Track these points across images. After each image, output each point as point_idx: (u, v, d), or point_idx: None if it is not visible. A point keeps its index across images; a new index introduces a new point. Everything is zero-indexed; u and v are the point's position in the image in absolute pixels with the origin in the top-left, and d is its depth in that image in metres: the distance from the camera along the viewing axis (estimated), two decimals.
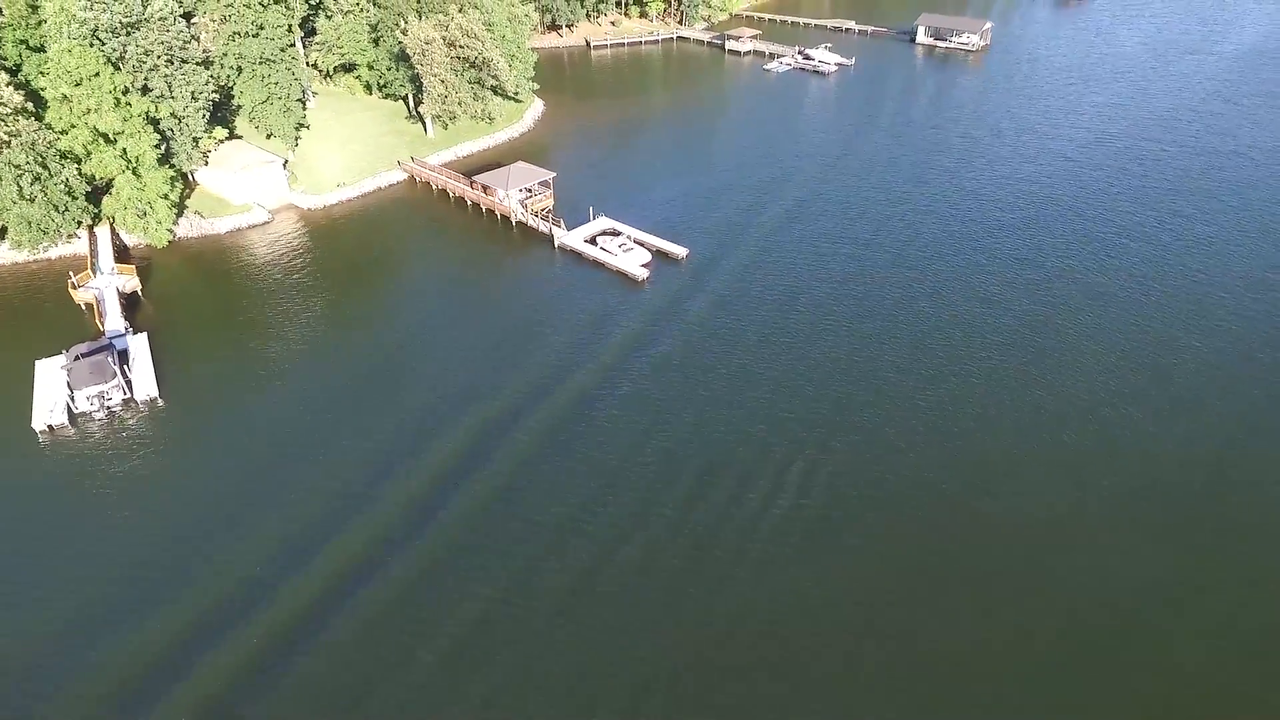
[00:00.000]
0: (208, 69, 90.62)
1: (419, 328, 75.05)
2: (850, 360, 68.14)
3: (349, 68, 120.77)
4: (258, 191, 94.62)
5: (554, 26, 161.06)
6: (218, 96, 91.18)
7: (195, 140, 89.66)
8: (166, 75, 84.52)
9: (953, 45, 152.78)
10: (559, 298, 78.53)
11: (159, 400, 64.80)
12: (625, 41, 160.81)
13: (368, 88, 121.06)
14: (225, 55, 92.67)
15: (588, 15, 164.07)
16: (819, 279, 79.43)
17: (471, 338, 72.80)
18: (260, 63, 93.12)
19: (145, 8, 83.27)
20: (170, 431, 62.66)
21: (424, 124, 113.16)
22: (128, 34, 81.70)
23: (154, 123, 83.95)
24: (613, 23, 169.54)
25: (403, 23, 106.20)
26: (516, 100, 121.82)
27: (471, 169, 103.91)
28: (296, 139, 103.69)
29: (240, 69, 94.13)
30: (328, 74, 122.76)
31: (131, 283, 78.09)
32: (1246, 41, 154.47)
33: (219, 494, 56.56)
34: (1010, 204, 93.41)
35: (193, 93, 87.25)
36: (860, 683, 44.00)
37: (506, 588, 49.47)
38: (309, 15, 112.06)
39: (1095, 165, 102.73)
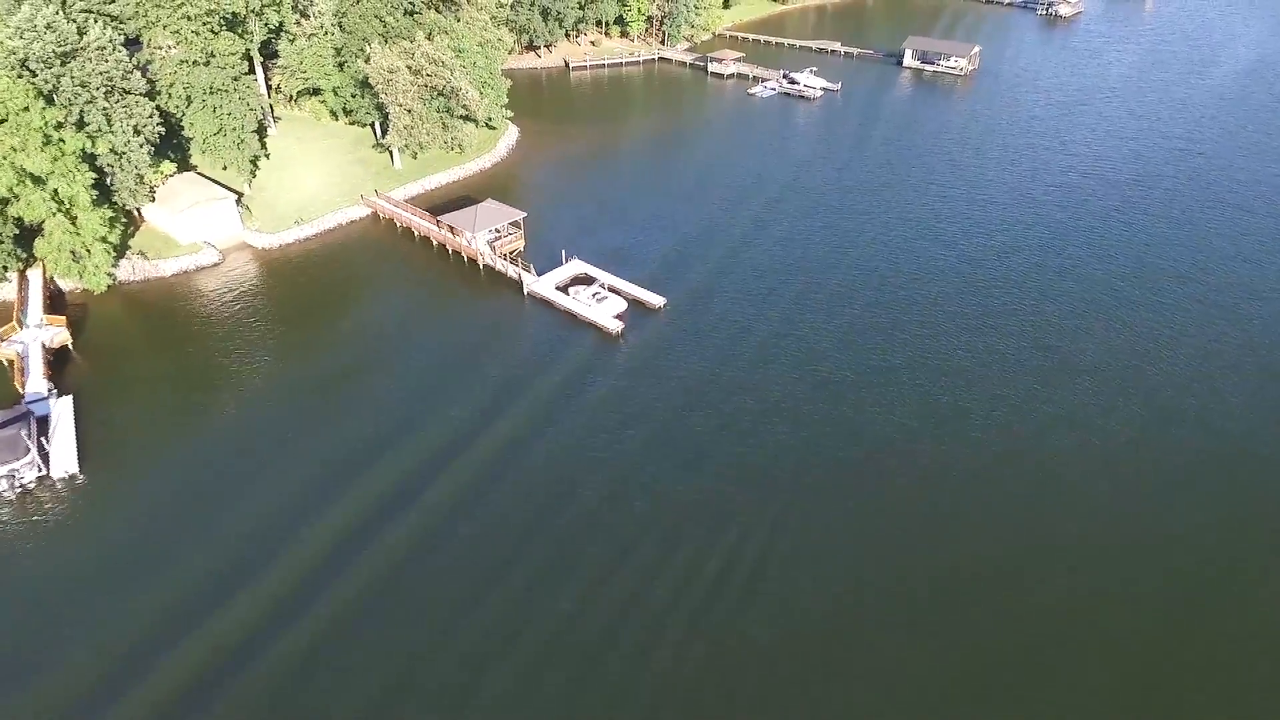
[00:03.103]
0: (153, 100, 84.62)
1: (374, 387, 69.11)
2: (841, 419, 63.13)
3: (314, 91, 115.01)
4: (208, 230, 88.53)
5: (531, 47, 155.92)
6: (164, 129, 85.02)
7: (140, 176, 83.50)
8: (105, 108, 78.43)
9: (940, 69, 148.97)
10: (525, 353, 72.87)
11: (79, 477, 58.54)
12: (605, 62, 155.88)
13: (333, 113, 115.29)
14: (173, 85, 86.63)
15: (567, 35, 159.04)
16: (807, 328, 74.36)
17: (429, 397, 67.04)
18: (210, 93, 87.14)
19: (81, 36, 77.25)
20: (88, 514, 56.34)
21: (391, 153, 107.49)
22: (62, 64, 75.61)
23: (91, 159, 77.82)
24: (593, 42, 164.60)
25: (367, 48, 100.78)
26: (490, 127, 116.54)
27: (439, 203, 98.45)
28: (253, 172, 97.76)
29: (190, 99, 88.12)
30: (292, 98, 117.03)
31: (60, 335, 71.79)
32: (1238, 65, 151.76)
33: (135, 586, 50.49)
34: (1003, 241, 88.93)
35: (135, 126, 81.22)
36: None
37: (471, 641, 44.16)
38: (270, 38, 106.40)
39: (1089, 195, 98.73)
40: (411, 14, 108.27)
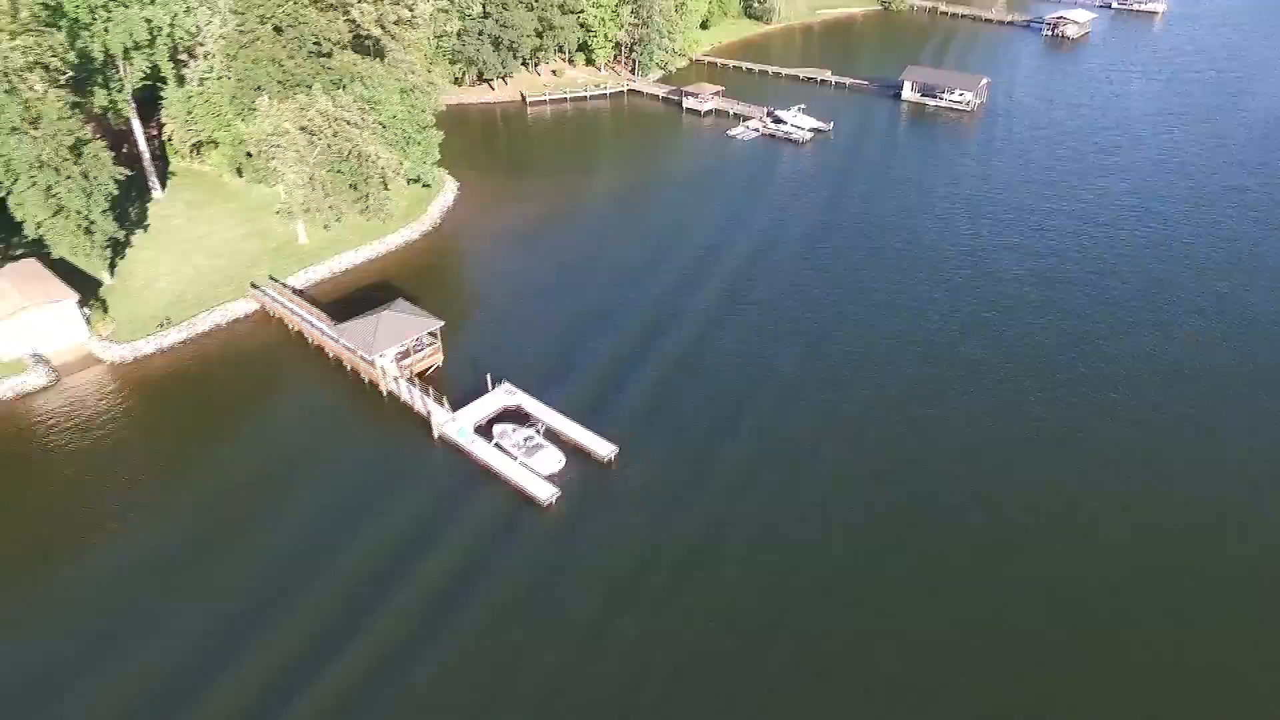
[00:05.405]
0: None
1: (205, 570, 50.44)
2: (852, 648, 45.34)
3: (217, 142, 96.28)
4: (39, 340, 69.50)
5: (483, 78, 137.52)
6: None
7: None
8: None
9: (944, 104, 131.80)
10: (415, 535, 53.04)
11: None
12: (568, 96, 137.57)
13: (238, 170, 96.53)
14: None
15: (524, 63, 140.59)
16: (809, 481, 56.43)
17: (275, 590, 48.82)
18: (39, 168, 68.19)
19: None
20: None
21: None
22: None
23: None
24: (554, 72, 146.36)
25: (263, 99, 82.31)
26: (425, 185, 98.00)
27: (351, 290, 79.93)
28: (115, 256, 79.04)
29: (17, 175, 69.11)
30: (192, 150, 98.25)
31: None
32: (1275, 96, 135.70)
33: None
34: (1029, 341, 71.71)
35: None
36: None
37: None
38: (151, 84, 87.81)
39: (1133, 267, 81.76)
40: (321, 55, 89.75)
